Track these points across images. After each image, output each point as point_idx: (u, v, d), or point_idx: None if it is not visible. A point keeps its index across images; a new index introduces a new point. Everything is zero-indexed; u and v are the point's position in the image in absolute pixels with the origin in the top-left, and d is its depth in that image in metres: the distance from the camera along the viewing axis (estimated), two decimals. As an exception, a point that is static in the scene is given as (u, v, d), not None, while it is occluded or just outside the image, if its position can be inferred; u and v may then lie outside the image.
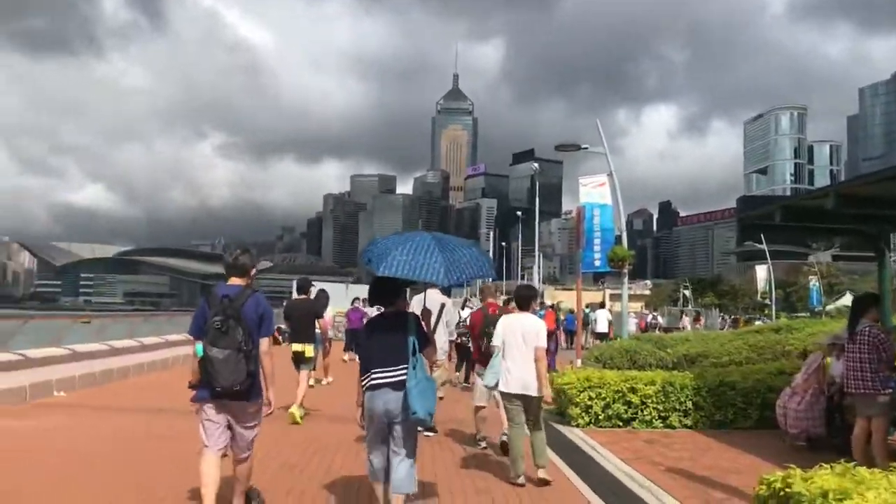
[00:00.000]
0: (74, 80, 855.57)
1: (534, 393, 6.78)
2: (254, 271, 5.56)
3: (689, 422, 10.00)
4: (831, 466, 4.19)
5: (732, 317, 42.94)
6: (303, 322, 10.44)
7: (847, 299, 53.72)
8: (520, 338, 6.88)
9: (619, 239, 17.11)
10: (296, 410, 9.87)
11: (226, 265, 5.60)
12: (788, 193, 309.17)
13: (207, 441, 5.21)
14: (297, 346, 10.32)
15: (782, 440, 8.99)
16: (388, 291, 5.43)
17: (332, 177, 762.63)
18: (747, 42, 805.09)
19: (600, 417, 9.97)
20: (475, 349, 8.93)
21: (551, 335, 19.86)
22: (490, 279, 7.55)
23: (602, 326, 24.01)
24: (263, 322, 5.25)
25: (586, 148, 17.36)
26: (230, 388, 5.03)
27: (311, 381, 10.69)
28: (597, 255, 16.93)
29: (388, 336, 5.26)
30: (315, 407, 10.90)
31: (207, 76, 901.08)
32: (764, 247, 47.69)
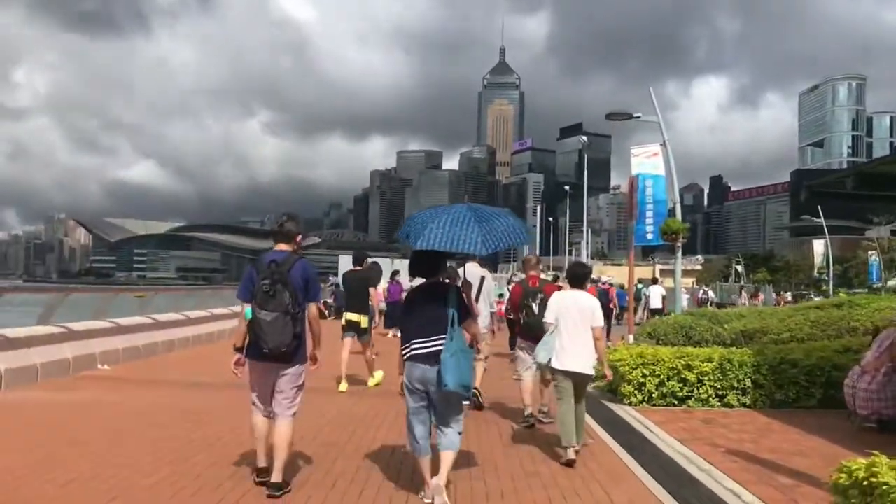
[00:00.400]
0: (124, 58, 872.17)
1: (587, 371, 6.80)
2: (300, 238, 5.63)
3: (747, 401, 9.51)
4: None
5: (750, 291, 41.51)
6: (357, 292, 10.63)
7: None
8: (575, 315, 6.82)
9: (672, 211, 16.49)
10: (376, 378, 10.74)
11: (272, 231, 5.69)
12: (845, 166, 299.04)
13: (256, 400, 5.50)
14: (351, 316, 10.52)
15: (849, 421, 8.46)
16: (428, 264, 5.47)
17: (379, 153, 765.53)
18: (801, 10, 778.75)
19: (654, 396, 9.56)
20: (516, 321, 8.82)
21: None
22: (526, 246, 7.39)
23: (656, 302, 23.35)
24: (310, 287, 5.40)
25: (638, 116, 16.69)
26: (277, 349, 5.20)
27: (370, 354, 10.93)
28: (649, 228, 16.35)
29: (428, 307, 5.31)
30: (358, 379, 10.82)
31: (254, 53, 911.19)
32: (822, 220, 46.05)
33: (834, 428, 8.19)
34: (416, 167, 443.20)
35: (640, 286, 26.66)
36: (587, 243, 64.06)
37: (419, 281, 5.70)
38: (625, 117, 16.63)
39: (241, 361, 5.48)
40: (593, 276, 22.34)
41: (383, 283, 18.01)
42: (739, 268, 79.15)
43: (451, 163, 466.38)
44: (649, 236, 16.40)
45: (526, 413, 8.31)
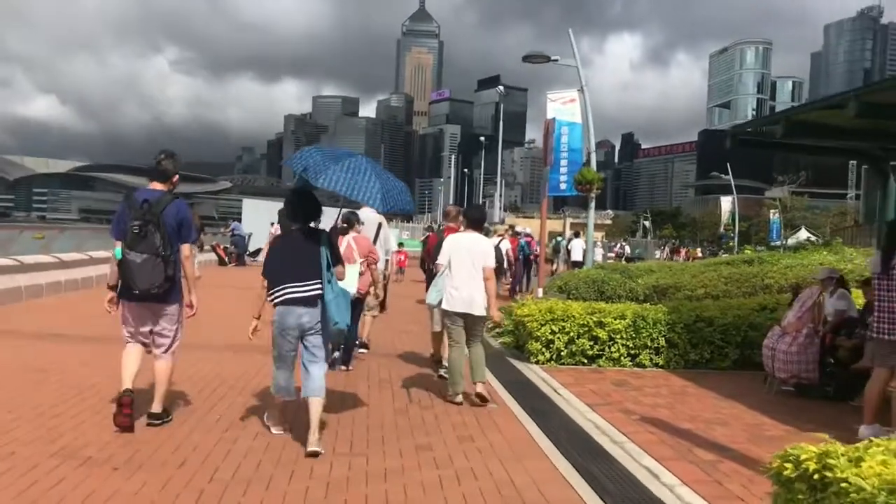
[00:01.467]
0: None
1: (478, 312, 6.73)
2: (176, 178, 5.52)
3: (660, 361, 8.97)
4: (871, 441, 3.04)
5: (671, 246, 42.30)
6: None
7: (803, 234, 53.88)
8: (466, 256, 6.77)
9: (587, 161, 15.84)
10: None
11: (148, 169, 5.53)
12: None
13: (127, 335, 5.43)
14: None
15: (766, 385, 8.01)
16: (312, 208, 5.37)
17: (292, 97, 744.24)
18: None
19: (563, 354, 8.89)
20: (427, 272, 8.68)
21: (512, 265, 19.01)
22: (412, 212, 7.23)
23: (578, 255, 22.89)
24: (183, 228, 5.32)
25: (556, 59, 15.82)
26: (147, 290, 5.16)
27: None
28: (563, 178, 15.68)
29: (302, 252, 5.24)
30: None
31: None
32: (730, 178, 46.89)
33: (751, 392, 7.71)
34: (333, 113, 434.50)
35: (559, 239, 26.28)
36: (500, 196, 63.74)
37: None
38: (542, 60, 15.73)
39: (113, 300, 5.40)
40: (516, 227, 21.67)
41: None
42: (647, 223, 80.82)
43: (368, 110, 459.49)
44: (563, 186, 15.73)
45: (435, 357, 8.27)
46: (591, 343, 8.88)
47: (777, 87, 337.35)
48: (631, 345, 8.92)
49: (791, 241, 44.25)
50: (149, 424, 5.29)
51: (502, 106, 57.44)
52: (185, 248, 5.39)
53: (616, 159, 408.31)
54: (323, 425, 5.27)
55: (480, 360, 6.87)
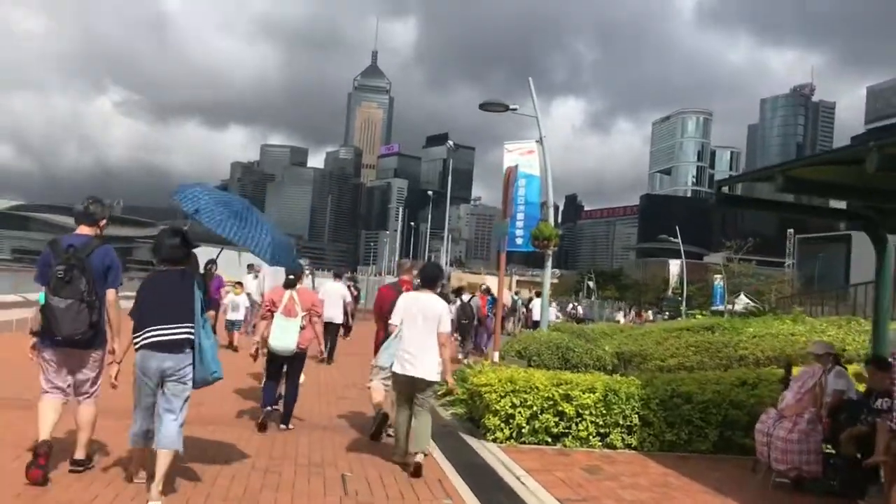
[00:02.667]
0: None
1: (429, 377, 6.43)
2: (104, 222, 5.44)
3: (633, 441, 7.90)
4: None
5: (635, 310, 42.11)
6: None
7: (743, 300, 54.27)
8: (419, 318, 6.47)
9: (545, 215, 14.95)
10: None
11: (75, 213, 5.44)
12: (689, 195, 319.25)
13: (46, 386, 5.24)
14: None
15: (754, 471, 7.01)
16: (183, 248, 5.21)
17: (238, 145, 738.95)
18: (654, 44, 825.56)
19: (524, 431, 7.75)
20: (380, 329, 8.02)
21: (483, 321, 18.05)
22: (294, 268, 7.50)
23: (538, 314, 22.01)
24: (110, 273, 5.24)
25: (515, 108, 15.04)
26: (70, 337, 5.03)
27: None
28: (519, 232, 14.75)
29: (172, 294, 5.10)
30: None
31: (109, 27, 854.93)
32: (679, 242, 46.99)
33: (741, 483, 6.70)
34: (280, 162, 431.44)
35: (515, 297, 25.40)
36: (448, 250, 62.84)
37: None
38: (500, 108, 14.94)
39: (35, 347, 5.24)
40: (483, 284, 20.64)
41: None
42: (591, 284, 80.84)
43: (316, 161, 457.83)
44: (519, 241, 14.80)
45: (377, 412, 7.61)
46: (557, 419, 7.78)
47: (716, 156, 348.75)
48: (601, 422, 7.85)
49: (739, 307, 44.22)
50: (71, 470, 5.26)
51: (451, 162, 56.96)
52: (111, 294, 5.27)
53: (560, 220, 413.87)
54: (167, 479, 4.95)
55: (425, 429, 6.48)
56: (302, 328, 7.60)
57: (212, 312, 5.50)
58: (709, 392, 8.18)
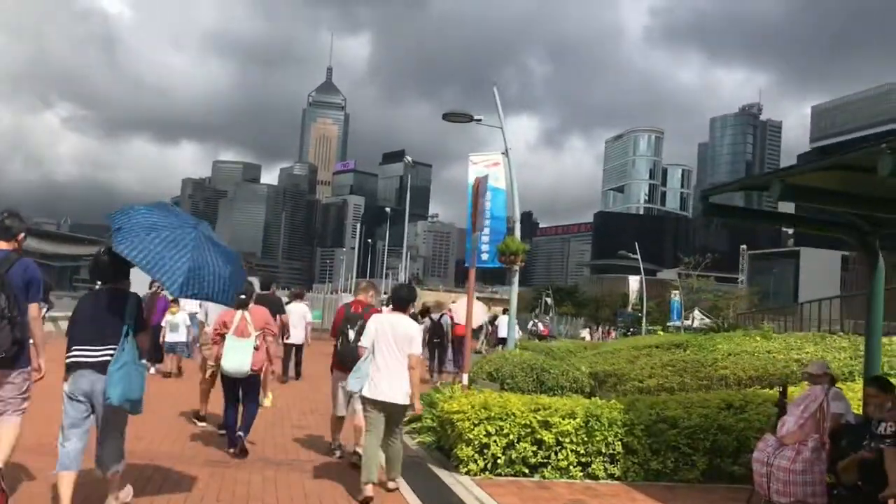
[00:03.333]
0: None
1: (399, 401, 6.29)
2: (22, 236, 5.28)
3: (617, 471, 7.32)
4: None
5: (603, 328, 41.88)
6: None
7: (698, 316, 54.58)
8: (391, 340, 6.33)
9: (511, 230, 14.43)
10: (267, 400, 10.23)
11: None
12: (642, 213, 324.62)
13: None
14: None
15: (749, 504, 6.48)
16: (116, 268, 5.13)
17: (189, 160, 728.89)
18: (606, 63, 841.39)
19: (499, 461, 7.12)
20: (333, 349, 7.72)
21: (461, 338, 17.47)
22: (227, 305, 6.24)
23: (503, 331, 21.55)
24: (31, 288, 5.09)
25: (479, 119, 14.47)
26: None
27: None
28: (485, 248, 14.19)
29: (103, 314, 5.03)
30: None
31: (57, 43, 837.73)
32: (638, 258, 47.00)
33: (739, 517, 6.14)
34: (233, 179, 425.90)
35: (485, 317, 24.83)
36: (405, 268, 62.07)
37: None
38: (464, 119, 14.37)
39: None
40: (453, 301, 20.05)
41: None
42: (549, 300, 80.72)
43: (270, 177, 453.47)
44: (484, 256, 14.23)
45: (332, 446, 7.72)
46: (535, 448, 7.17)
47: (668, 174, 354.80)
48: (582, 451, 7.25)
49: (695, 323, 44.31)
50: None
51: (410, 178, 56.38)
52: (33, 309, 5.10)
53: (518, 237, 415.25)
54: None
55: (398, 456, 6.49)
56: (255, 349, 7.40)
57: (142, 336, 5.10)
58: (695, 416, 7.65)
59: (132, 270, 5.16)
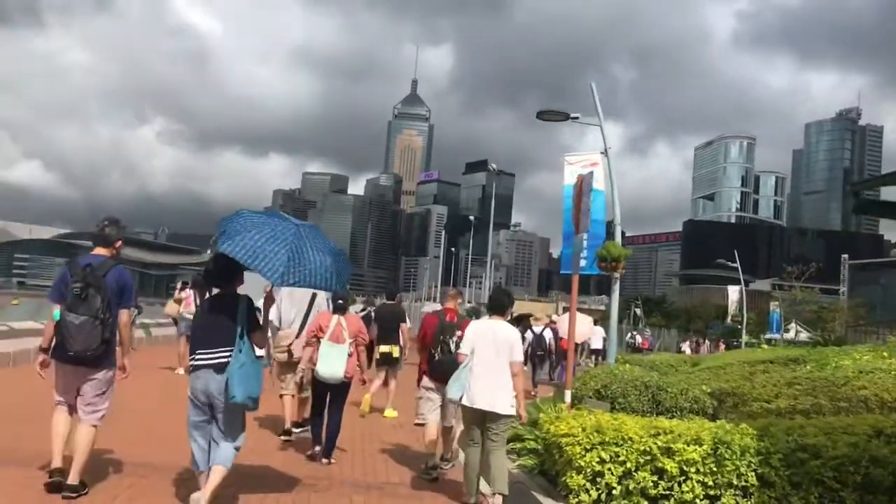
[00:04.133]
0: (11, 51, 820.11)
1: (501, 410, 6.18)
2: (119, 243, 5.62)
3: (751, 506, 6.37)
4: None
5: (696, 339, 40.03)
6: (389, 325, 11.25)
7: (796, 328, 51.61)
8: (491, 347, 6.26)
9: (612, 234, 13.49)
10: (391, 411, 10.93)
11: (92, 235, 5.69)
12: (734, 221, 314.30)
13: (60, 399, 5.46)
14: (384, 348, 11.00)
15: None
16: (226, 273, 5.33)
17: (278, 172, 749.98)
18: (692, 68, 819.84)
19: (615, 492, 6.27)
20: (423, 359, 7.69)
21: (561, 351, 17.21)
22: (333, 292, 6.90)
23: (597, 343, 20.96)
24: (125, 293, 5.41)
25: (576, 117, 13.67)
26: (83, 353, 5.19)
27: (393, 385, 11.32)
28: (582, 253, 13.30)
29: (217, 317, 5.23)
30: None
31: (152, 59, 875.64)
32: (738, 267, 44.86)
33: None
34: (321, 190, 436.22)
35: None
36: (489, 276, 61.31)
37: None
38: (560, 117, 13.60)
39: (45, 363, 5.40)
40: (550, 314, 19.77)
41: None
42: (638, 311, 78.41)
43: (356, 188, 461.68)
44: (582, 262, 13.33)
45: (429, 463, 7.28)
46: (656, 478, 6.29)
47: (760, 182, 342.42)
48: (710, 482, 6.33)
49: (802, 336, 41.86)
50: (64, 497, 5.18)
51: (494, 185, 55.66)
52: (124, 314, 5.43)
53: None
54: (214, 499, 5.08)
55: (503, 469, 6.18)
56: (349, 355, 7.40)
57: (258, 335, 5.30)
58: (841, 445, 6.59)
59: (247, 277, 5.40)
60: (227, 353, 5.06)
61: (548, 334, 16.34)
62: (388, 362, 10.96)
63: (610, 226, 13.90)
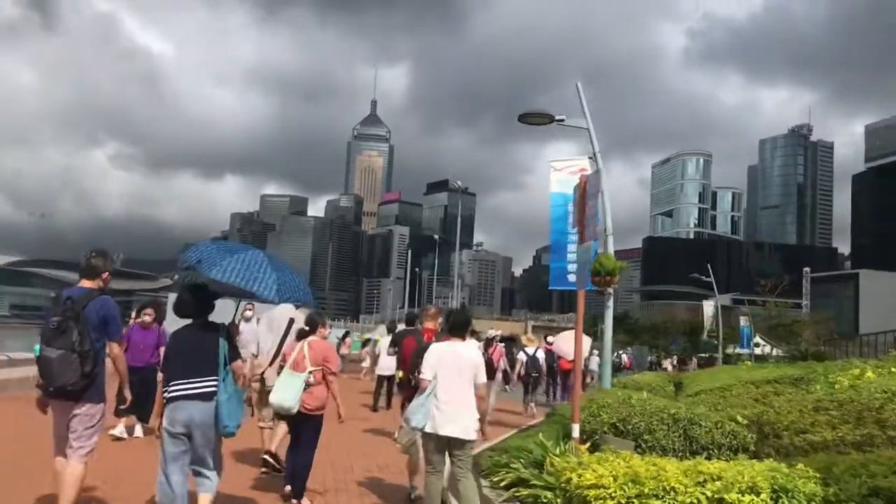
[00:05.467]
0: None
1: (467, 436, 5.83)
2: (106, 275, 5.46)
3: (821, 568, 5.19)
4: None
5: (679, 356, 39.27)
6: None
7: (759, 342, 51.27)
8: (454, 370, 5.90)
9: (603, 245, 12.36)
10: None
11: (79, 267, 5.50)
12: (692, 237, 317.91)
13: (56, 447, 5.32)
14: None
15: None
16: (202, 302, 5.27)
17: (235, 194, 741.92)
18: (646, 87, 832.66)
19: (657, 556, 5.05)
20: (405, 383, 7.40)
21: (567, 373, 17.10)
22: (312, 305, 6.63)
23: (594, 365, 20.63)
24: (109, 325, 5.26)
25: (562, 119, 12.60)
26: (62, 387, 5.08)
27: None
28: (571, 267, 12.15)
29: (196, 347, 5.16)
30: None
31: (103, 82, 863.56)
32: (712, 281, 44.22)
33: None
34: (280, 212, 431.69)
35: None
36: (456, 296, 60.06)
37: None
38: (544, 120, 12.47)
39: (41, 402, 5.32)
40: (549, 337, 19.29)
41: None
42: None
43: (316, 209, 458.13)
44: (571, 278, 12.19)
45: (413, 495, 7.06)
46: (707, 538, 5.08)
47: (717, 198, 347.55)
48: (772, 540, 5.15)
49: (769, 350, 41.34)
50: None
51: (459, 203, 54.57)
52: (114, 347, 5.36)
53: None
54: None
55: (475, 491, 5.96)
56: (308, 385, 6.69)
57: (238, 363, 5.09)
58: (918, 486, 5.48)
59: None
60: (213, 382, 5.00)
61: (541, 355, 16.34)
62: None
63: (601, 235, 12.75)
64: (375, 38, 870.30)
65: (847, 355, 34.52)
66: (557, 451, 6.88)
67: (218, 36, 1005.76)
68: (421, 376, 6.09)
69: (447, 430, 5.78)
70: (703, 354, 57.55)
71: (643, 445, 6.56)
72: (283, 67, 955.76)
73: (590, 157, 12.38)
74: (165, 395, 5.06)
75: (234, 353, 5.22)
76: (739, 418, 7.17)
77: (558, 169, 12.44)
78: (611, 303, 11.97)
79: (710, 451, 6.29)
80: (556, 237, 12.36)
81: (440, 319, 7.22)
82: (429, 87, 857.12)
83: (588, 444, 6.94)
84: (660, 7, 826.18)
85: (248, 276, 5.07)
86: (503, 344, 15.50)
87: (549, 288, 13.66)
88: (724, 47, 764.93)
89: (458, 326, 6.23)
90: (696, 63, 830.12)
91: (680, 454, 6.45)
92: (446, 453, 5.95)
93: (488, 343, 15.73)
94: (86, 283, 5.34)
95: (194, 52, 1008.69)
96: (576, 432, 7.21)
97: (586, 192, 7.48)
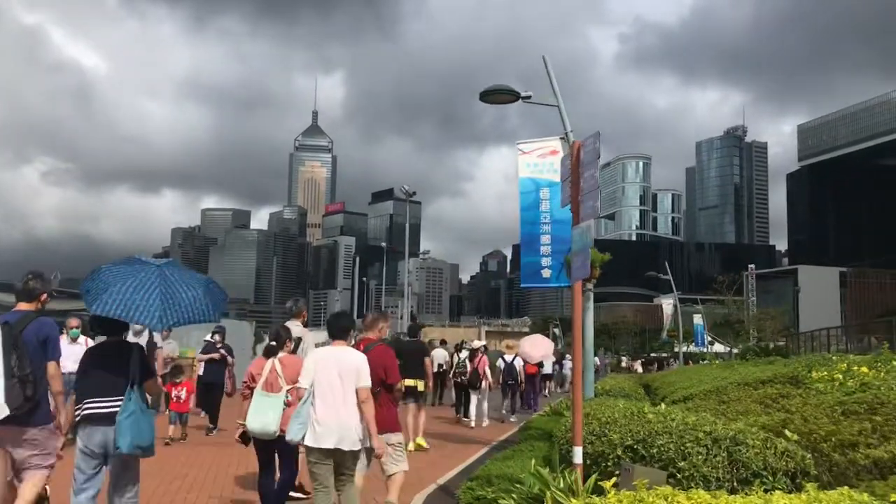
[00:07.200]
0: None
1: (350, 447, 5.49)
2: (45, 297, 5.46)
3: None
4: None
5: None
6: (413, 360, 11.15)
7: (717, 346, 51.32)
8: (335, 376, 5.56)
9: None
10: (421, 440, 11.59)
11: (15, 290, 5.49)
12: (634, 238, 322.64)
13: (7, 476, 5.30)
14: (409, 382, 10.87)
15: None
16: (111, 322, 5.08)
17: (174, 209, 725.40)
18: (582, 91, 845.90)
19: None
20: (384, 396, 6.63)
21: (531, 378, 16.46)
22: (214, 322, 6.11)
23: (567, 368, 19.99)
24: (48, 346, 5.28)
25: (528, 96, 11.21)
26: (8, 414, 5.00)
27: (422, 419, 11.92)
28: (545, 261, 10.79)
29: (108, 366, 5.09)
30: None
31: (31, 96, 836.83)
32: (670, 279, 43.63)
33: None
34: (223, 226, 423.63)
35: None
36: (407, 304, 58.44)
37: None
38: (509, 97, 11.05)
39: None
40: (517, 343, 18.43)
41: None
42: (557, 330, 77.04)
43: (259, 222, 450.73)
44: (546, 273, 10.83)
45: None
46: None
47: (658, 200, 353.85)
48: None
49: (718, 347, 40.91)
50: None
51: (407, 209, 53.05)
52: (51, 367, 5.31)
53: (508, 269, 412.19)
54: None
55: (355, 500, 5.69)
56: (287, 405, 6.32)
57: (150, 382, 4.75)
58: None
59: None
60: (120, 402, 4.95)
61: (518, 363, 16.64)
62: (414, 395, 11.53)
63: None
64: (311, 47, 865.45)
65: (802, 350, 34.24)
66: (561, 484, 5.42)
67: (148, 47, 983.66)
68: (297, 385, 5.78)
69: (329, 443, 5.44)
70: (654, 354, 57.23)
71: (679, 476, 5.04)
72: (218, 78, 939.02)
73: (561, 138, 11.00)
74: (79, 412, 4.98)
75: (147, 373, 5.14)
76: (788, 433, 5.79)
77: (526, 151, 11.07)
78: (591, 302, 10.61)
79: (764, 479, 4.86)
80: (528, 229, 10.98)
81: (381, 325, 6.72)
82: (367, 96, 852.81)
83: (596, 474, 5.50)
84: (591, 13, 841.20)
85: (130, 306, 4.85)
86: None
87: (521, 286, 12.35)
88: (655, 51, 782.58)
89: (339, 330, 5.92)
90: (629, 67, 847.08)
91: (726, 485, 5.02)
92: (331, 467, 5.56)
93: (472, 354, 15.00)
94: (23, 306, 5.39)
95: (125, 64, 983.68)
96: (578, 457, 5.77)
97: (581, 161, 6.07)
